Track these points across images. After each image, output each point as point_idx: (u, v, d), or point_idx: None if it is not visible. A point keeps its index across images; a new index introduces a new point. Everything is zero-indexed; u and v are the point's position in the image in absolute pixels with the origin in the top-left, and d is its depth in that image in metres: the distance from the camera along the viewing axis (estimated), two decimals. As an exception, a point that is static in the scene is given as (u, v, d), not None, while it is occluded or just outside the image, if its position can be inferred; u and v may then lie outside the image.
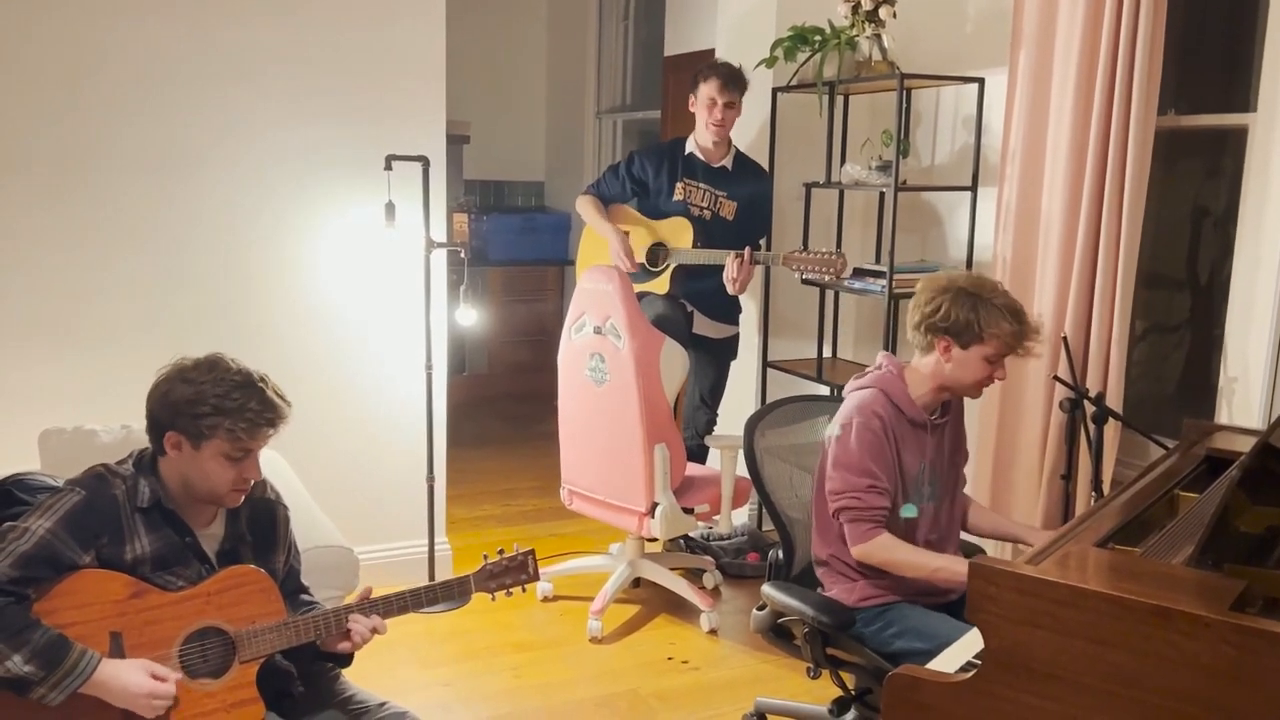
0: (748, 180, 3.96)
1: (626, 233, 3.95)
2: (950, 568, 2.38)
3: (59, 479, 2.06)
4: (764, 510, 3.65)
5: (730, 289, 3.77)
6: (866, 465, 2.41)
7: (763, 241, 4.04)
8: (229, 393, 1.91)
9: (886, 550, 2.41)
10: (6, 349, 3.22)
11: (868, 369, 2.60)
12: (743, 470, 2.96)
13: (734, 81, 3.80)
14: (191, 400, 1.90)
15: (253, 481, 2.00)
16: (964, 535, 2.72)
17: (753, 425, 2.74)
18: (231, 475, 1.94)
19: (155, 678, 1.85)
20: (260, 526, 2.09)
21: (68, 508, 1.86)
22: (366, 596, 2.07)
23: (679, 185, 3.93)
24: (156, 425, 1.95)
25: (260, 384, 1.94)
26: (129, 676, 1.83)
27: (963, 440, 2.68)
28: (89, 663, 1.80)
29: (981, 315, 2.39)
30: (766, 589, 2.51)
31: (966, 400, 2.62)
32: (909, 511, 2.48)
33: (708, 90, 3.80)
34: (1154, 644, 1.52)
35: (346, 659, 2.09)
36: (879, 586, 2.48)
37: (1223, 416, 3.17)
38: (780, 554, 2.68)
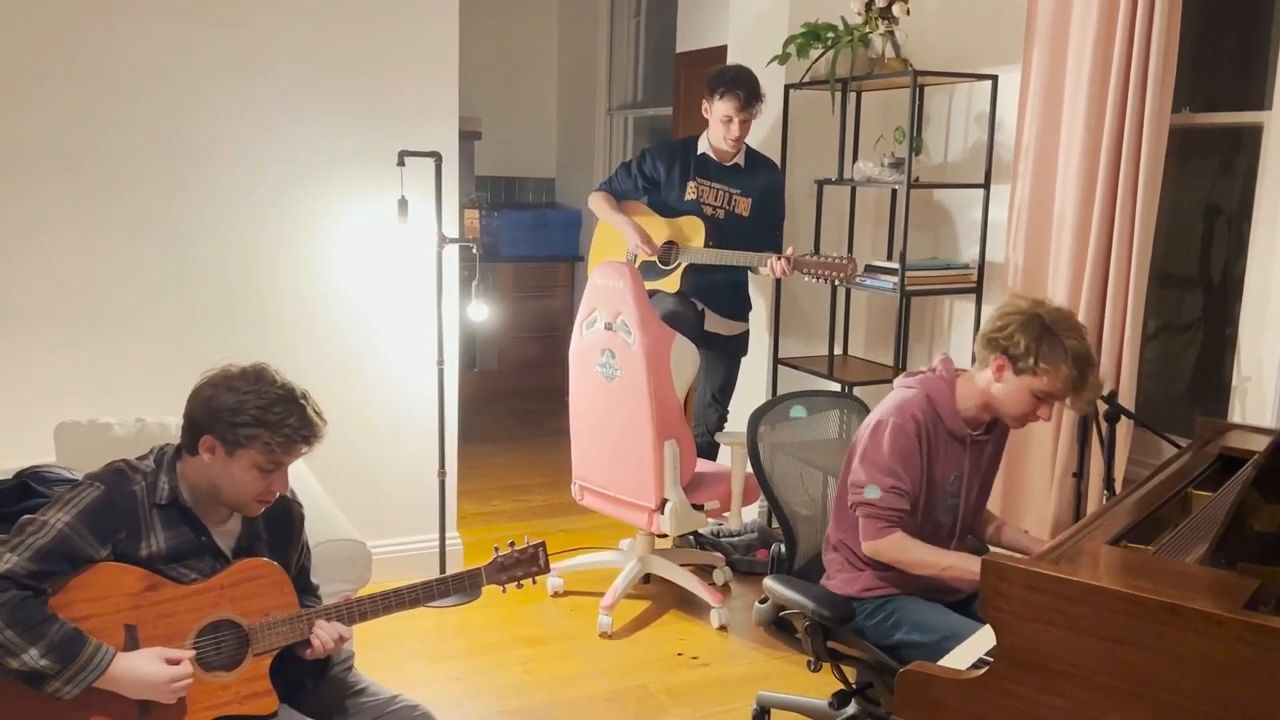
0: (760, 176, 3.96)
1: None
2: (961, 565, 2.38)
3: (75, 472, 2.08)
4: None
5: (776, 275, 3.78)
6: (893, 466, 2.40)
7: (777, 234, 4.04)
8: (271, 405, 1.92)
9: (898, 549, 2.40)
10: (22, 342, 3.24)
11: (921, 369, 2.56)
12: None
13: (752, 101, 3.78)
14: (233, 409, 1.91)
15: (278, 494, 2.01)
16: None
17: (755, 420, 2.74)
18: (260, 486, 1.96)
19: (169, 662, 1.86)
20: (277, 524, 2.10)
21: (87, 502, 1.88)
22: (347, 602, 2.07)
23: (691, 184, 3.93)
24: (194, 427, 1.96)
25: (302, 401, 1.95)
26: (144, 667, 1.84)
27: (1000, 457, 2.64)
28: (104, 657, 1.81)
29: (1044, 348, 2.31)
30: (768, 582, 2.52)
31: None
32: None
33: (724, 108, 3.78)
34: (1167, 642, 1.52)
35: (321, 666, 2.07)
36: (882, 579, 2.48)
37: (1236, 415, 3.16)
38: (783, 548, 2.68)
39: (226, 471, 1.94)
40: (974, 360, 2.49)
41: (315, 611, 2.00)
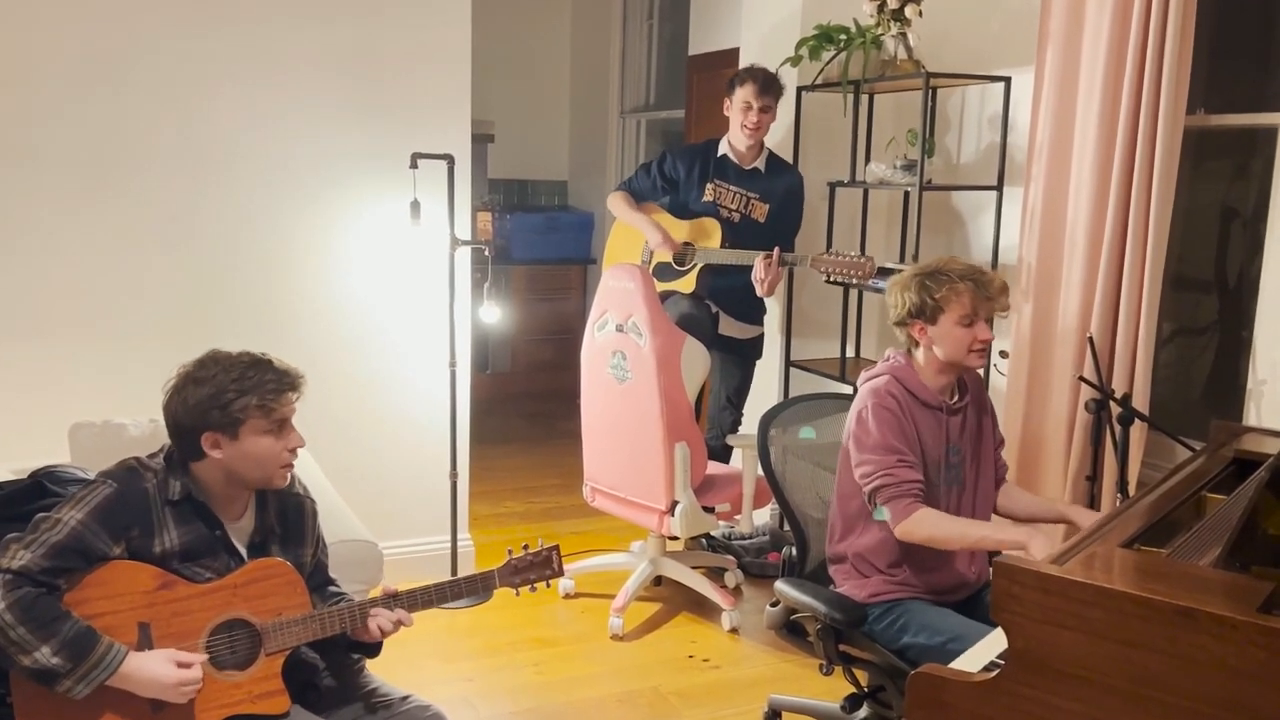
0: (781, 182, 3.95)
1: None
2: (994, 535, 2.39)
3: (89, 472, 2.09)
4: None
5: (759, 290, 3.75)
6: (890, 442, 2.42)
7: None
8: (244, 374, 1.95)
9: (929, 525, 2.40)
10: (38, 343, 3.26)
11: (879, 362, 2.63)
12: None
13: (770, 87, 3.80)
14: (213, 395, 1.93)
15: (299, 450, 2.02)
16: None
17: (766, 422, 2.74)
18: (278, 449, 1.98)
19: (180, 665, 1.87)
20: (289, 520, 2.11)
21: (99, 499, 1.89)
22: (391, 595, 2.08)
23: (709, 186, 3.93)
24: (188, 433, 1.96)
25: (266, 358, 2.00)
26: (155, 668, 1.85)
27: (990, 423, 2.67)
28: (115, 656, 1.82)
29: (931, 286, 2.46)
30: (780, 585, 2.52)
31: (993, 395, 2.62)
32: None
33: (743, 94, 3.80)
34: (1180, 645, 1.51)
35: (375, 649, 2.11)
36: (891, 583, 2.48)
37: (1251, 418, 3.14)
38: (794, 551, 2.68)
39: (241, 454, 1.95)
40: (909, 351, 2.60)
41: (327, 612, 2.01)
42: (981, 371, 2.68)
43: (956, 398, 2.57)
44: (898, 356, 2.58)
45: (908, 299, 2.48)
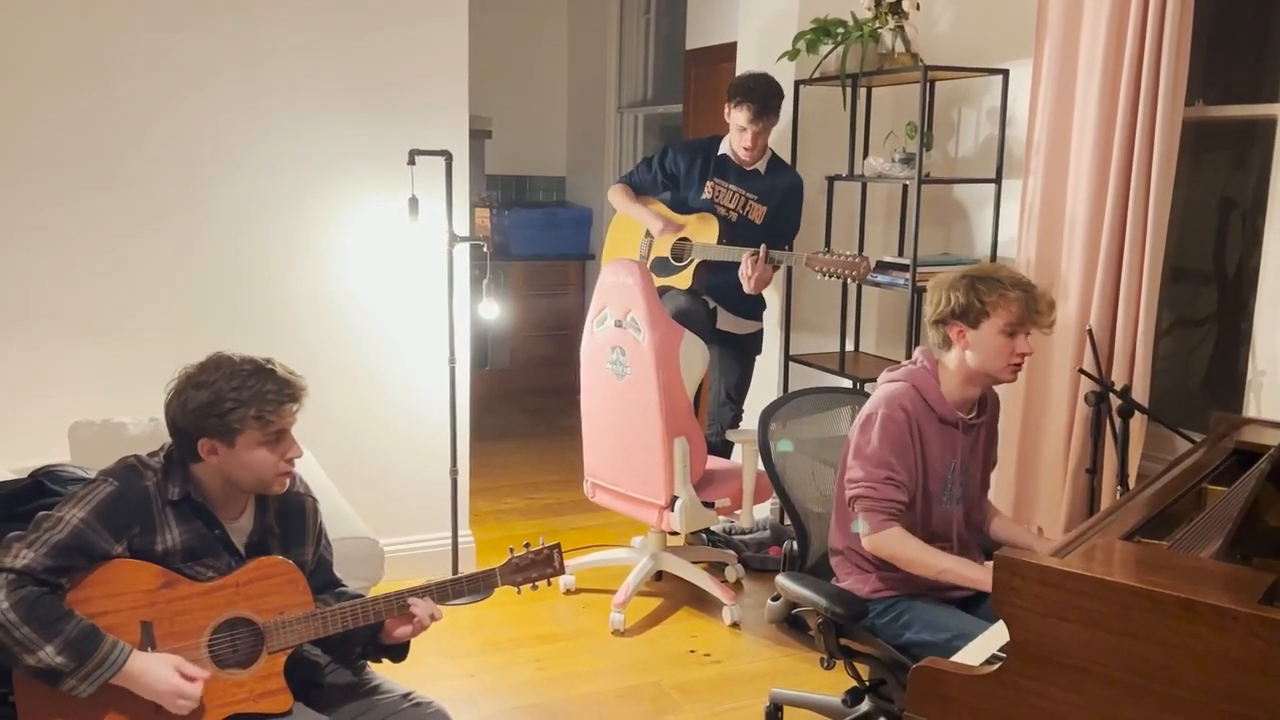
0: (780, 184, 3.93)
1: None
2: (958, 570, 2.36)
3: (89, 471, 2.09)
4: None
5: (746, 287, 3.73)
6: (885, 457, 2.41)
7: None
8: (244, 382, 1.93)
9: (898, 545, 2.40)
10: (38, 341, 3.25)
11: (903, 363, 2.59)
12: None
13: (766, 110, 3.75)
14: (212, 402, 1.92)
15: (296, 460, 2.01)
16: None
17: (767, 417, 2.74)
18: (274, 459, 1.96)
19: (185, 676, 1.86)
20: (288, 519, 2.11)
21: (100, 498, 1.88)
22: (416, 590, 2.08)
23: (708, 184, 3.91)
24: (185, 436, 1.96)
25: (270, 366, 1.97)
26: (158, 672, 1.84)
27: (994, 443, 2.66)
28: (119, 655, 1.82)
29: (981, 289, 2.39)
30: (781, 579, 2.52)
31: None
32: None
33: (739, 117, 3.76)
34: (1181, 637, 1.51)
35: (402, 652, 2.11)
36: (891, 580, 2.48)
37: (1251, 410, 3.14)
38: (795, 545, 2.68)
39: (237, 462, 1.95)
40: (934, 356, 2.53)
41: (328, 611, 2.00)
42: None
43: (975, 413, 2.53)
44: (925, 361, 2.52)
45: (953, 298, 2.41)
